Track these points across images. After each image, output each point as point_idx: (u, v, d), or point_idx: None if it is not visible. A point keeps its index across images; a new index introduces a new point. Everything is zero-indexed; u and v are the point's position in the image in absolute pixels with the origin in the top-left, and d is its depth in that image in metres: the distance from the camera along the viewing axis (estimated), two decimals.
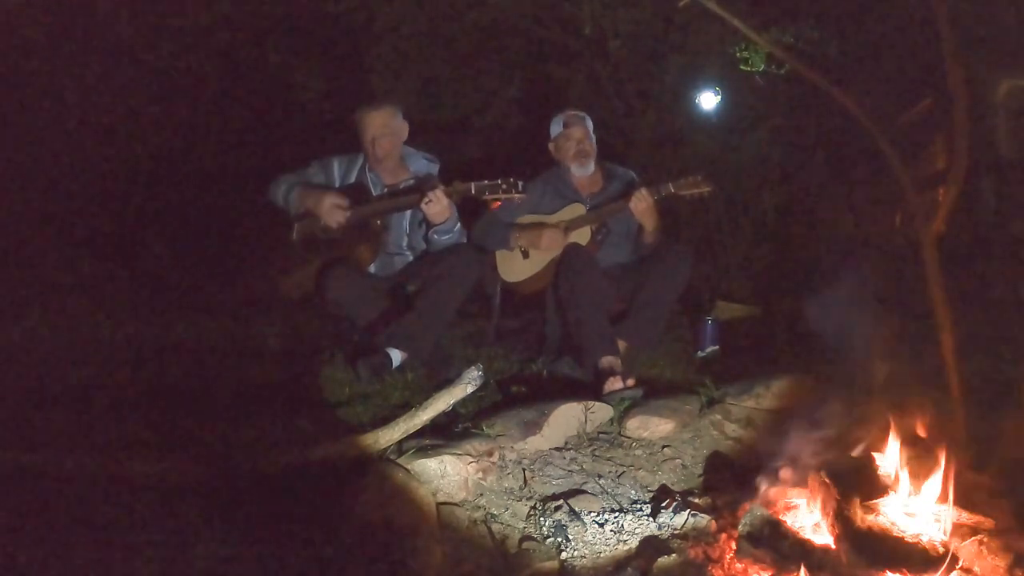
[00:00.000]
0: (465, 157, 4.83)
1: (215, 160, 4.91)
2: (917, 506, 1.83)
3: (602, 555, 1.96)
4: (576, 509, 2.11)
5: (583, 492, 2.22)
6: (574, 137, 3.38)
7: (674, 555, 1.88)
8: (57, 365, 3.01)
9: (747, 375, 2.87)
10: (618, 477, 2.33)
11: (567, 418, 2.51)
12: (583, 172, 3.41)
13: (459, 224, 3.17)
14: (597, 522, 2.07)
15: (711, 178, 3.29)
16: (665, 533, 2.02)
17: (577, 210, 3.38)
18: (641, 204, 3.19)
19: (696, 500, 2.16)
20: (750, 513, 1.93)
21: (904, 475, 1.89)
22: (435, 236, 3.14)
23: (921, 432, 1.99)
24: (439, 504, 2.07)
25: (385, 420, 2.32)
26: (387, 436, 2.21)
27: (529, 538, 2.02)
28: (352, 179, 3.26)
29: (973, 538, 1.76)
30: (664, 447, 2.50)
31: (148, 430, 2.41)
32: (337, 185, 3.25)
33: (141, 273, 4.51)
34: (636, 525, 2.06)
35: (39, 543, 1.77)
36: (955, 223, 2.16)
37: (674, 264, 3.17)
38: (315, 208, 3.06)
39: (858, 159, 4.41)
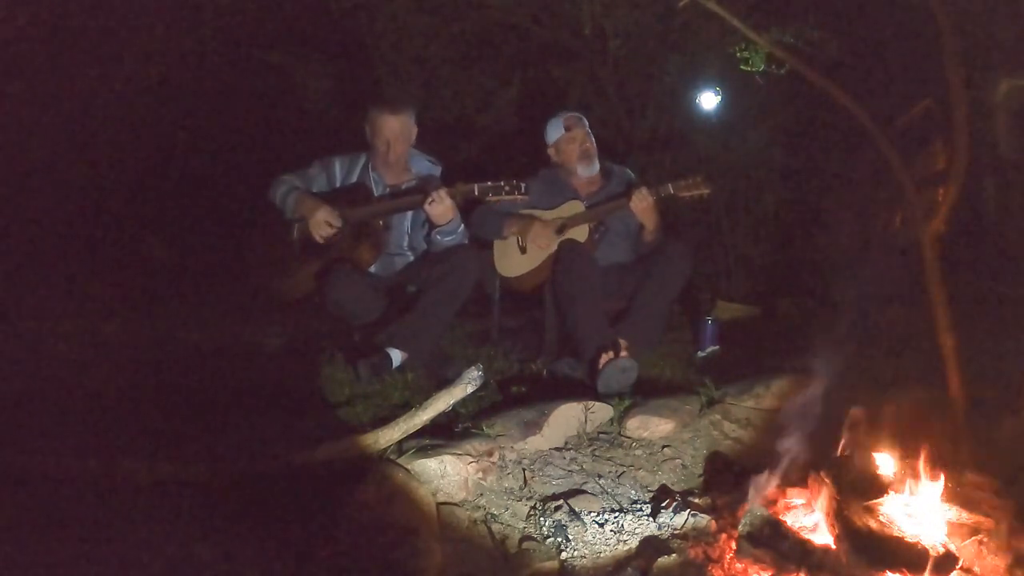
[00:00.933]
0: (465, 157, 4.83)
1: (215, 160, 4.91)
2: (917, 506, 1.83)
3: (602, 555, 1.96)
4: (576, 509, 2.11)
5: (583, 492, 2.22)
6: (576, 138, 3.39)
7: (674, 555, 1.88)
8: (57, 365, 3.01)
9: (747, 375, 2.87)
10: (618, 477, 2.33)
11: (567, 418, 2.51)
12: (590, 172, 3.41)
13: (462, 226, 3.18)
14: (597, 522, 2.07)
15: (711, 179, 3.30)
16: (665, 533, 2.02)
17: (575, 207, 3.38)
18: (641, 203, 3.19)
19: (696, 500, 2.16)
20: (750, 513, 1.93)
21: (903, 475, 1.89)
22: (437, 237, 3.14)
23: (920, 432, 1.98)
24: (439, 504, 2.07)
25: (385, 420, 2.32)
26: (387, 436, 2.21)
27: (529, 538, 2.02)
28: (354, 179, 3.26)
29: (973, 538, 1.76)
30: (664, 447, 2.50)
31: (148, 430, 2.41)
32: (338, 185, 3.25)
33: (141, 273, 4.52)
34: (636, 525, 2.06)
35: (39, 543, 1.77)
36: (955, 223, 2.17)
37: (674, 262, 3.17)
38: (308, 218, 3.07)
39: (858, 159, 4.41)
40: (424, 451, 2.17)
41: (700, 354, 3.47)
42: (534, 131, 3.70)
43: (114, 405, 2.61)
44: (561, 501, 2.15)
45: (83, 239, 4.54)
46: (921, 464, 1.87)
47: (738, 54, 2.56)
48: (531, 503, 2.18)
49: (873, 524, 1.75)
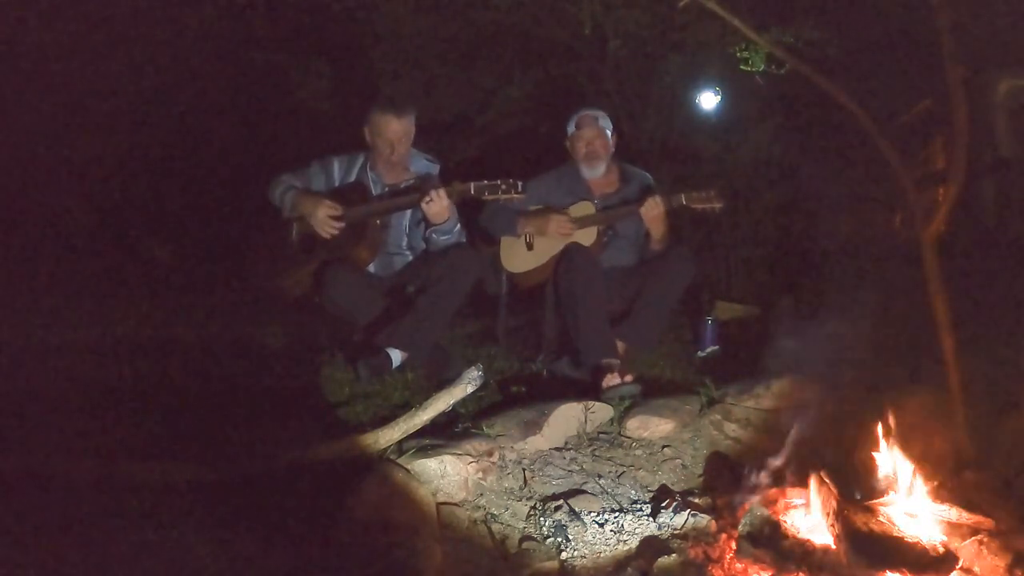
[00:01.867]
0: (465, 157, 4.83)
1: (215, 160, 4.91)
2: (917, 506, 1.84)
3: (602, 555, 1.96)
4: (576, 509, 2.11)
5: (583, 492, 2.22)
6: (584, 138, 3.36)
7: (674, 555, 1.88)
8: (57, 365, 3.01)
9: (747, 375, 2.87)
10: (618, 477, 2.33)
11: (567, 418, 2.51)
12: (592, 173, 3.39)
13: (459, 225, 3.17)
14: (597, 522, 2.07)
15: (723, 195, 3.27)
16: (665, 533, 2.02)
17: (587, 208, 3.36)
18: (653, 212, 3.17)
19: (696, 500, 2.16)
20: (750, 513, 1.93)
21: (903, 475, 1.89)
22: (434, 236, 3.14)
23: (920, 432, 1.98)
24: (439, 504, 2.07)
25: (385, 420, 2.32)
26: (387, 436, 2.21)
27: (529, 538, 2.02)
28: (352, 178, 3.26)
29: (973, 538, 1.76)
30: (664, 447, 2.50)
31: (148, 430, 2.41)
32: (336, 185, 3.25)
33: (141, 273, 4.52)
34: (636, 525, 2.06)
35: (39, 544, 1.77)
36: (955, 223, 2.17)
37: (676, 266, 3.16)
38: (309, 216, 3.07)
39: (858, 159, 4.41)
40: (424, 451, 2.17)
41: (700, 354, 3.47)
42: (534, 131, 3.71)
43: (114, 405, 2.60)
44: (561, 501, 2.15)
45: (83, 239, 4.54)
46: (921, 464, 1.87)
47: (738, 54, 2.56)
48: (531, 503, 2.18)
49: (873, 524, 1.75)
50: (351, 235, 3.10)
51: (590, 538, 2.02)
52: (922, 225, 2.12)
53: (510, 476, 2.27)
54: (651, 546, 1.96)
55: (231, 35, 4.70)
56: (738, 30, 2.26)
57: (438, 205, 3.00)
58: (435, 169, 3.34)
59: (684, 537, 1.98)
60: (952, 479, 1.92)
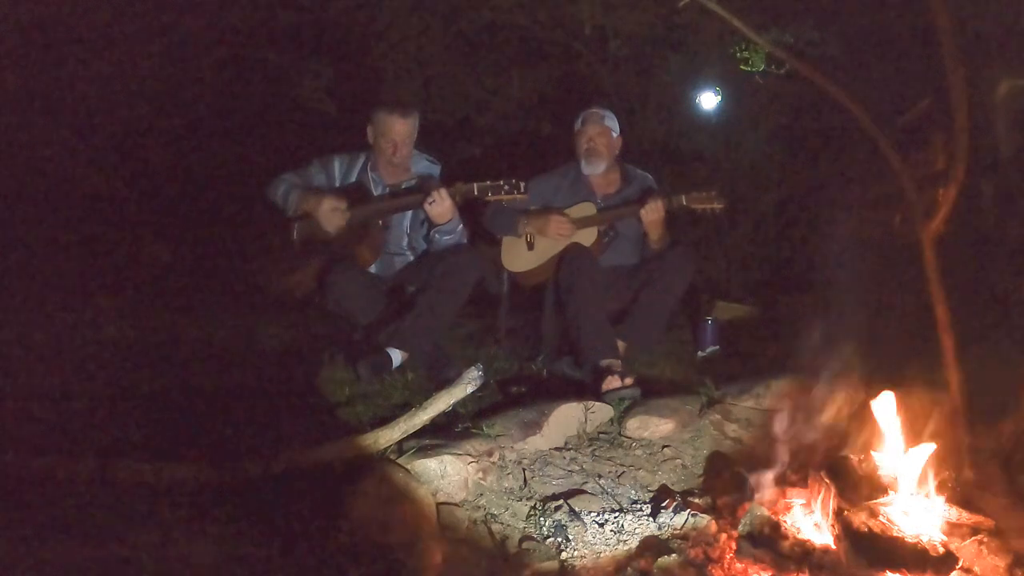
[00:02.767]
0: (465, 157, 4.83)
1: (215, 160, 4.90)
2: (917, 506, 1.84)
3: (602, 555, 1.96)
4: (576, 509, 2.11)
5: (583, 492, 2.22)
6: (587, 134, 3.37)
7: (674, 555, 1.88)
8: (57, 365, 3.01)
9: (747, 375, 2.87)
10: (618, 477, 2.33)
11: (567, 418, 2.51)
12: (591, 170, 3.40)
13: (461, 225, 3.17)
14: (597, 522, 2.07)
15: (724, 195, 3.28)
16: (665, 533, 2.02)
17: (587, 209, 3.37)
18: (652, 215, 3.19)
19: (696, 500, 2.16)
20: (750, 513, 1.94)
21: (903, 474, 1.89)
22: (436, 236, 3.14)
23: (920, 432, 1.98)
24: (439, 504, 2.06)
25: (385, 420, 2.32)
26: (387, 436, 2.21)
27: (529, 538, 2.02)
28: (353, 178, 3.26)
29: (973, 538, 1.76)
30: (664, 447, 2.50)
31: (148, 430, 2.41)
32: (337, 184, 3.25)
33: (141, 273, 4.51)
34: (636, 525, 2.06)
35: (39, 544, 1.77)
36: (955, 223, 2.17)
37: (676, 266, 3.16)
38: (314, 212, 3.06)
39: (858, 159, 4.41)
40: (424, 451, 2.17)
41: (700, 354, 3.47)
42: (534, 131, 3.71)
43: (114, 405, 2.60)
44: (561, 501, 2.15)
45: (83, 239, 4.54)
46: (921, 464, 1.87)
47: (738, 54, 2.56)
48: (531, 503, 2.18)
49: (873, 524, 1.75)
50: (353, 235, 3.11)
51: (590, 538, 2.02)
52: (922, 225, 2.12)
53: (510, 476, 2.27)
54: (651, 546, 1.96)
55: (231, 34, 4.69)
56: (738, 30, 2.26)
57: (441, 206, 3.00)
58: (436, 170, 3.34)
59: (684, 537, 1.98)
60: (952, 479, 1.92)
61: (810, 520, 1.91)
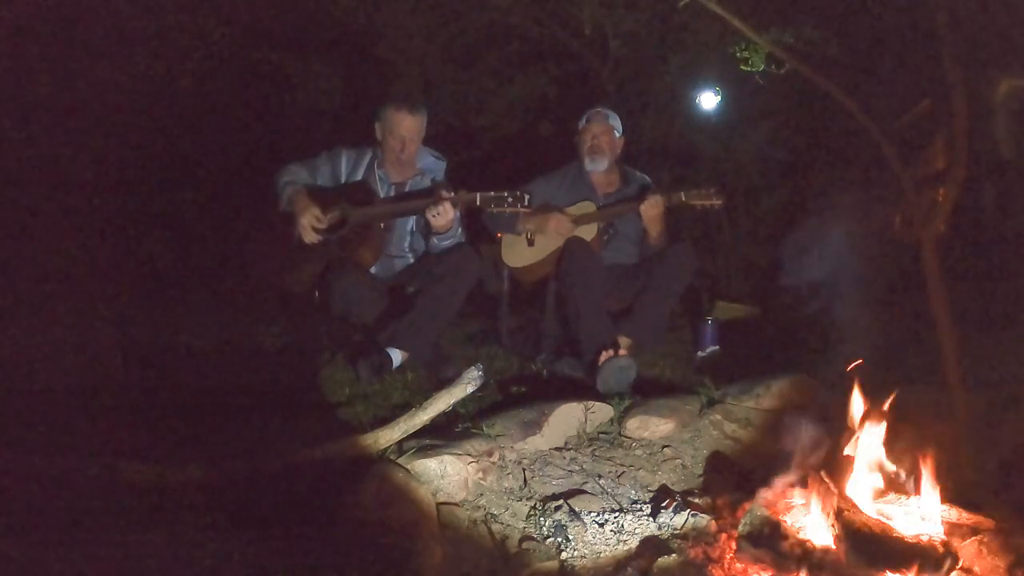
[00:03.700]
0: (465, 157, 4.83)
1: (216, 158, 4.91)
2: (917, 506, 1.84)
3: (602, 555, 1.96)
4: (576, 509, 2.11)
5: (583, 492, 2.22)
6: (592, 132, 3.41)
7: (674, 555, 1.88)
8: (57, 365, 3.01)
9: (747, 375, 2.87)
10: (618, 477, 2.33)
11: (567, 418, 2.51)
12: (593, 167, 3.42)
13: (460, 228, 3.18)
14: (597, 522, 2.07)
15: (723, 192, 3.29)
16: (665, 533, 2.02)
17: (588, 207, 3.39)
18: (652, 210, 3.21)
19: (696, 500, 2.16)
20: (750, 513, 1.94)
21: (903, 474, 1.89)
22: (435, 240, 3.16)
23: (920, 432, 1.98)
24: (439, 504, 2.07)
25: (385, 420, 2.32)
26: (387, 436, 2.21)
27: (529, 538, 2.02)
28: (359, 175, 3.25)
29: (973, 538, 1.76)
30: (664, 447, 2.50)
31: (148, 430, 2.41)
32: (343, 180, 3.25)
33: (142, 272, 4.51)
34: (636, 525, 2.06)
35: (39, 544, 1.77)
36: (955, 223, 2.17)
37: (677, 262, 3.18)
38: (297, 217, 3.07)
39: (858, 159, 4.41)
40: (424, 451, 2.17)
41: (700, 354, 3.47)
42: (534, 131, 3.71)
43: (114, 405, 2.60)
44: (561, 501, 2.15)
45: (83, 239, 4.53)
46: (921, 464, 1.87)
47: (738, 54, 2.56)
48: (531, 503, 2.18)
49: (873, 524, 1.75)
50: (355, 237, 3.11)
51: (590, 538, 2.02)
52: (922, 225, 2.12)
53: (510, 476, 2.27)
54: (651, 546, 1.96)
55: (232, 35, 4.69)
56: (738, 30, 2.26)
57: (444, 218, 3.02)
58: (442, 166, 3.35)
59: (684, 537, 1.99)
60: (952, 479, 1.92)
61: (810, 520, 1.91)
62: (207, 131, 4.88)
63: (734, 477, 2.29)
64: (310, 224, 3.05)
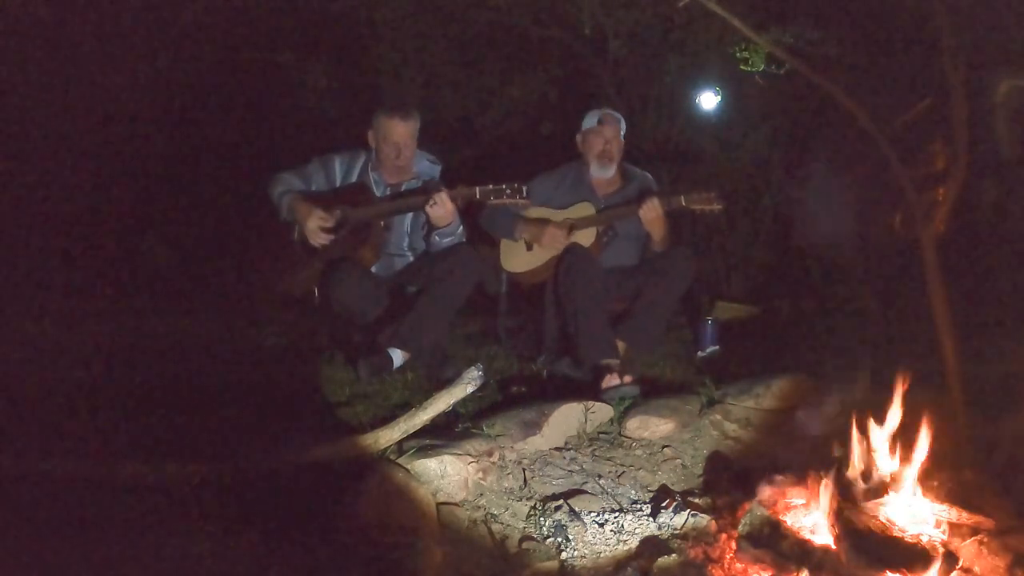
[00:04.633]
0: (465, 157, 4.83)
1: (216, 159, 4.91)
2: (917, 506, 1.83)
3: (602, 555, 1.96)
4: (576, 509, 2.11)
5: (583, 492, 2.22)
6: (604, 136, 3.36)
7: (674, 555, 1.88)
8: (57, 365, 3.01)
9: (747, 375, 2.87)
10: (618, 477, 2.33)
11: (567, 418, 2.51)
12: (602, 173, 3.40)
13: (461, 227, 3.18)
14: (597, 522, 2.07)
15: (724, 196, 3.28)
16: (665, 533, 2.02)
17: (586, 209, 3.37)
18: (651, 214, 3.18)
19: (696, 500, 2.16)
20: (750, 513, 1.94)
21: (903, 475, 1.89)
22: (436, 238, 3.15)
23: (920, 432, 1.98)
24: (439, 504, 2.07)
25: (385, 420, 2.32)
26: (387, 436, 2.21)
27: (529, 538, 2.02)
28: (353, 178, 3.26)
29: (973, 538, 1.76)
30: (664, 447, 2.50)
31: (148, 430, 2.41)
32: (337, 184, 3.25)
33: (142, 273, 4.52)
34: (636, 525, 2.06)
35: (39, 544, 1.77)
36: (955, 223, 2.17)
37: (676, 266, 3.16)
38: (302, 223, 3.07)
39: (858, 159, 4.41)
40: (424, 451, 2.17)
41: (700, 354, 3.46)
42: (534, 131, 3.70)
43: (114, 405, 2.60)
44: (561, 501, 2.15)
45: (84, 239, 4.54)
46: (921, 464, 1.87)
47: (738, 54, 2.57)
48: (531, 503, 2.18)
49: (873, 524, 1.75)
50: (355, 236, 3.11)
51: (590, 538, 2.02)
52: (922, 225, 2.12)
53: (510, 476, 2.27)
54: (651, 546, 1.96)
55: (232, 35, 4.69)
56: (738, 30, 2.26)
57: (442, 209, 3.01)
58: (437, 169, 3.34)
59: (684, 537, 1.99)
60: (952, 479, 1.92)
61: (810, 520, 1.91)
62: (207, 131, 4.89)
63: (734, 477, 2.29)
64: (317, 227, 3.05)
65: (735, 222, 4.65)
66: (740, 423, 2.62)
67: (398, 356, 2.99)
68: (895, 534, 1.73)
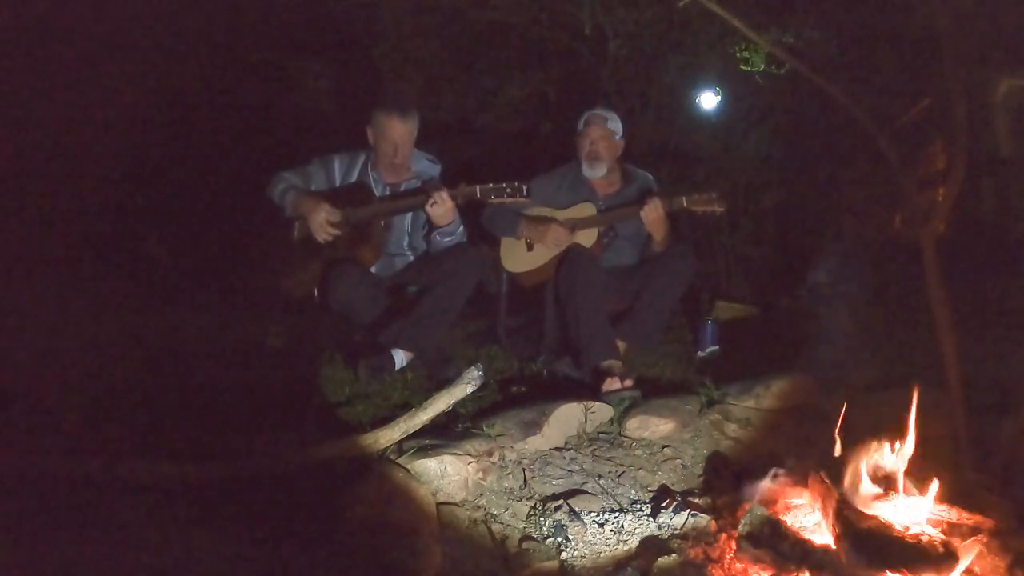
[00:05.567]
0: (465, 157, 4.83)
1: (216, 159, 4.91)
2: (917, 506, 1.84)
3: (602, 555, 1.96)
4: (576, 509, 2.11)
5: (583, 492, 2.22)
6: (589, 136, 3.35)
7: (674, 555, 1.88)
8: (57, 366, 3.01)
9: (747, 375, 2.87)
10: (618, 477, 2.33)
11: (567, 418, 2.51)
12: (592, 174, 3.39)
13: (461, 226, 3.18)
14: (597, 522, 2.07)
15: (725, 197, 3.27)
16: (665, 533, 2.02)
17: (587, 210, 3.37)
18: (652, 215, 3.18)
19: (696, 500, 2.16)
20: (750, 513, 1.94)
21: (903, 474, 1.89)
22: (437, 237, 3.15)
23: (920, 432, 1.98)
24: (439, 504, 2.07)
25: (385, 420, 2.32)
26: (387, 436, 2.21)
27: (529, 538, 2.02)
28: (353, 178, 3.26)
29: (973, 538, 1.76)
30: (664, 447, 2.50)
31: (148, 430, 2.41)
32: (337, 184, 3.25)
33: (141, 273, 4.51)
34: (636, 525, 2.06)
35: (39, 543, 1.77)
36: (955, 223, 2.17)
37: (676, 265, 3.16)
38: (307, 219, 3.07)
39: (858, 159, 4.41)
40: (424, 451, 2.17)
41: (700, 354, 3.47)
42: (534, 131, 3.70)
43: (114, 405, 2.60)
44: (561, 501, 2.15)
45: (83, 239, 4.53)
46: (921, 464, 1.87)
47: (738, 54, 2.56)
48: (531, 503, 2.18)
49: (873, 524, 1.75)
50: (355, 236, 3.11)
51: (590, 538, 2.02)
52: (922, 225, 2.12)
53: (510, 476, 2.28)
54: (651, 546, 1.96)
55: (232, 34, 4.69)
56: (738, 30, 2.26)
57: (442, 208, 3.01)
58: (436, 169, 3.34)
59: (684, 537, 1.99)
60: (952, 479, 1.92)
61: (810, 520, 1.91)
62: (207, 131, 4.88)
63: (734, 477, 2.29)
64: (325, 220, 3.04)
65: (736, 222, 4.65)
66: (740, 423, 2.62)
67: (400, 356, 2.99)
68: (895, 534, 1.73)
